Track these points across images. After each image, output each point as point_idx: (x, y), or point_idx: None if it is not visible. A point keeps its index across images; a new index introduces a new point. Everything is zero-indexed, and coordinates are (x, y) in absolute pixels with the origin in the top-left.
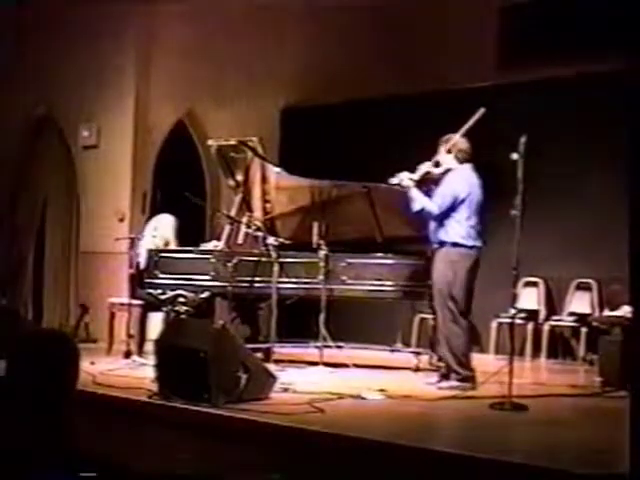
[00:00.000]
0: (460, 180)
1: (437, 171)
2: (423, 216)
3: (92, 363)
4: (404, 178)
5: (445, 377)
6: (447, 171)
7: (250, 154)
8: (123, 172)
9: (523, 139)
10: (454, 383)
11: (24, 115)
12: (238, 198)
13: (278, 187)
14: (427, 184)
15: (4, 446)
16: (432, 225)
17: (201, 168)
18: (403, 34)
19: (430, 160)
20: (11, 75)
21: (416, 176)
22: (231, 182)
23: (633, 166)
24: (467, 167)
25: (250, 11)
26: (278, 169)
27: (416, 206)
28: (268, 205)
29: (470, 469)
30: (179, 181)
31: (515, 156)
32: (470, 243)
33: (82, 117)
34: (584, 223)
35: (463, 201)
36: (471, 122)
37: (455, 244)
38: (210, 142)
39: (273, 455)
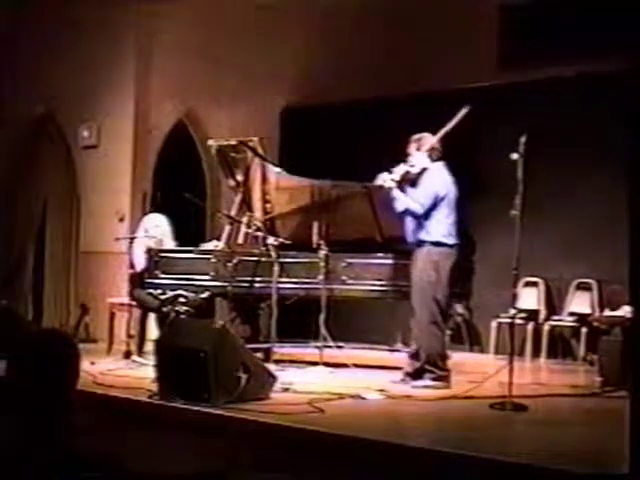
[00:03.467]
0: (438, 179)
1: (414, 171)
2: (406, 216)
3: (92, 363)
4: (387, 179)
5: (410, 375)
6: (423, 170)
7: (250, 154)
8: (123, 172)
9: (523, 139)
10: (428, 382)
11: (24, 115)
12: (238, 198)
13: (278, 187)
14: (404, 184)
15: (4, 446)
16: (410, 225)
17: (201, 168)
18: (403, 34)
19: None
20: (11, 75)
21: (397, 177)
22: (231, 182)
23: (633, 166)
24: (441, 165)
25: (250, 11)
26: (278, 169)
27: (400, 207)
28: (268, 205)
29: (470, 469)
30: (179, 181)
31: (515, 156)
32: (451, 242)
33: (82, 117)
34: (584, 223)
35: (443, 199)
36: (455, 120)
37: (437, 243)
38: (210, 142)
39: (273, 455)
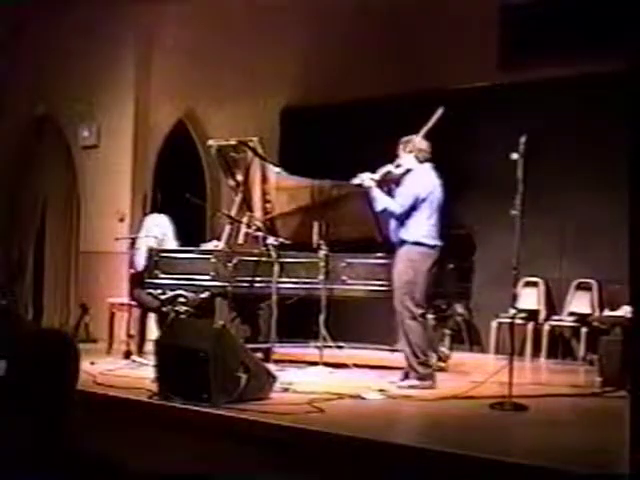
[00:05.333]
0: (421, 180)
1: (398, 171)
2: (385, 216)
3: (92, 363)
4: (365, 179)
5: (407, 376)
6: (408, 171)
7: (250, 154)
8: (123, 172)
9: (523, 139)
10: (414, 382)
11: (24, 115)
12: (238, 198)
13: (278, 187)
14: (387, 184)
15: (4, 446)
16: (393, 224)
17: (201, 168)
18: (403, 34)
19: (391, 163)
20: (11, 75)
21: (377, 176)
22: (231, 182)
23: (633, 166)
24: (427, 167)
25: (250, 11)
26: (278, 169)
27: (378, 206)
28: (268, 205)
29: (470, 469)
30: (179, 181)
31: (515, 156)
32: (431, 242)
33: (82, 117)
34: (584, 223)
35: (424, 200)
36: (431, 122)
37: (416, 243)
38: (210, 142)
39: (273, 455)
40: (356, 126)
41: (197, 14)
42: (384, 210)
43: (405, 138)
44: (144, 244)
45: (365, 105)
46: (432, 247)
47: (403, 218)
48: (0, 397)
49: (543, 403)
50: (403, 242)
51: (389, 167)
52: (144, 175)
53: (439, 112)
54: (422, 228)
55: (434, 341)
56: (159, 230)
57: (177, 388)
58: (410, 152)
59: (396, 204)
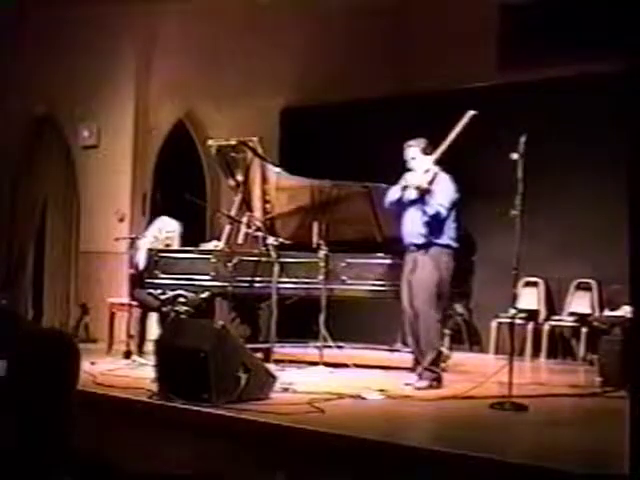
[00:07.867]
0: (451, 182)
1: (429, 176)
2: (431, 220)
3: (92, 363)
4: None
5: (422, 376)
6: (435, 174)
7: (250, 154)
8: (123, 172)
9: (523, 139)
10: (423, 383)
11: (24, 115)
12: (238, 198)
13: (278, 187)
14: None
15: (4, 446)
16: (413, 226)
17: (201, 168)
18: (403, 34)
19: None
20: (11, 75)
21: (429, 177)
22: (231, 182)
23: (633, 166)
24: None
25: (250, 11)
26: (278, 169)
27: (431, 210)
28: (268, 205)
29: (470, 469)
30: (179, 181)
31: (515, 156)
32: (456, 245)
33: (82, 117)
34: (584, 223)
35: (456, 203)
36: (460, 127)
37: (446, 246)
38: (210, 142)
39: (273, 455)
40: (356, 126)
41: (197, 14)
42: (436, 214)
43: (416, 141)
44: (147, 245)
45: (364, 105)
46: (455, 249)
47: (438, 221)
48: (0, 397)
49: (543, 403)
50: (430, 245)
51: (423, 174)
52: (144, 175)
53: (469, 115)
54: (450, 231)
55: None
56: (169, 235)
57: (177, 388)
58: (427, 154)
59: (441, 207)
